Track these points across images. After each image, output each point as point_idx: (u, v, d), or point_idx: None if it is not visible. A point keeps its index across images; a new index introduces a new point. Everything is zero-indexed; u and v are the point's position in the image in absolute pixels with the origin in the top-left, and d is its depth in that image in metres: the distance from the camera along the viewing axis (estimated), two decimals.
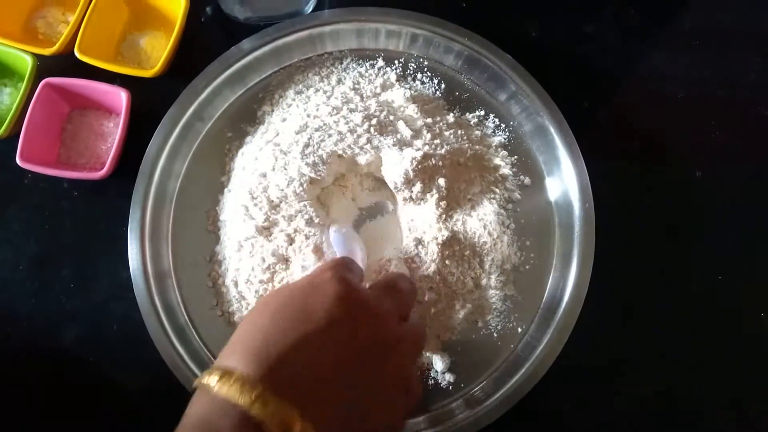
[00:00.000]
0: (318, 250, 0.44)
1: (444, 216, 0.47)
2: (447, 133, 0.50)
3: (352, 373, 0.29)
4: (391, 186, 0.47)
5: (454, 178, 0.48)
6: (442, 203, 0.47)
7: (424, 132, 0.49)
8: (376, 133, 0.47)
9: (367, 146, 0.46)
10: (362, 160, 0.47)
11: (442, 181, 0.47)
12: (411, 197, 0.46)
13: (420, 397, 0.34)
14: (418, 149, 0.46)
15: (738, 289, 0.52)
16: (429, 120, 0.50)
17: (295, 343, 0.28)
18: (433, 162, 0.47)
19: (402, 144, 0.47)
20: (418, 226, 0.48)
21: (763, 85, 0.57)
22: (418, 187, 0.46)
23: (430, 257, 0.46)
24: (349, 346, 0.29)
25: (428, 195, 0.46)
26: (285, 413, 0.26)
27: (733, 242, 0.53)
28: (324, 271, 0.33)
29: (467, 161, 0.50)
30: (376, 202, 0.50)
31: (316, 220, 0.45)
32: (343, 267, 0.34)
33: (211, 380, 0.27)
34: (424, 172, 0.46)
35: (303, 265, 0.44)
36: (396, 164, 0.46)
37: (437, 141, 0.48)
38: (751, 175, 0.55)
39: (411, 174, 0.45)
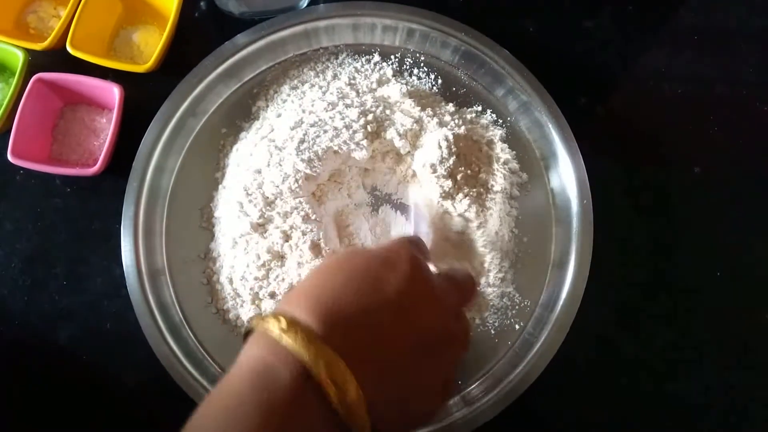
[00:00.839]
0: (315, 247, 0.43)
1: (455, 206, 0.47)
2: (447, 119, 0.50)
3: (408, 355, 0.29)
4: (426, 169, 0.46)
5: (467, 165, 0.49)
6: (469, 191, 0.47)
7: (426, 119, 0.48)
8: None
9: (364, 142, 0.46)
10: (358, 155, 0.46)
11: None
12: (443, 175, 0.46)
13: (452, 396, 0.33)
14: (451, 128, 0.47)
15: (737, 286, 0.52)
16: (429, 111, 0.49)
17: (363, 310, 0.28)
18: (462, 144, 0.47)
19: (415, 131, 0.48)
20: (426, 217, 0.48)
21: (762, 82, 0.57)
22: (450, 162, 0.46)
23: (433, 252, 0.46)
24: (411, 328, 0.29)
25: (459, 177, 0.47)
26: (345, 381, 0.25)
27: (732, 239, 0.53)
28: (399, 248, 0.32)
29: (480, 147, 0.50)
30: (372, 199, 0.50)
31: (313, 217, 0.44)
32: (416, 247, 0.34)
33: (274, 326, 0.26)
34: (457, 152, 0.47)
35: (300, 261, 0.43)
36: (431, 143, 0.46)
37: (456, 121, 0.49)
38: (750, 171, 0.55)
39: (446, 152, 0.45)
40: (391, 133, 0.47)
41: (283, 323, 0.26)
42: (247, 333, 0.29)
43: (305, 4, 0.54)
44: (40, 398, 0.47)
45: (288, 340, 0.26)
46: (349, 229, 0.48)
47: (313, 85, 0.51)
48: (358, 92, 0.50)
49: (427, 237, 0.44)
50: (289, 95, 0.51)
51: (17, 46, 0.49)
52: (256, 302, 0.45)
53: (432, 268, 0.38)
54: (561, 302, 0.46)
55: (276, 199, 0.45)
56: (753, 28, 0.59)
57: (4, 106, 0.47)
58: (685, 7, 0.59)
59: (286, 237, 0.44)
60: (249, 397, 0.25)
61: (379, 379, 0.27)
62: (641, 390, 0.49)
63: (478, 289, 0.47)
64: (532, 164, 0.51)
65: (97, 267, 0.49)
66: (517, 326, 0.47)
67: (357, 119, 0.47)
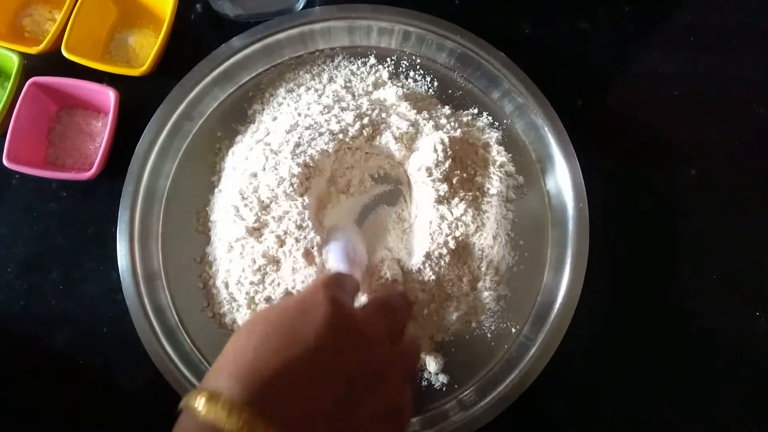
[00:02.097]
0: (308, 254, 0.43)
1: (451, 210, 0.47)
2: (443, 121, 0.50)
3: (340, 400, 0.28)
4: (422, 173, 0.46)
5: (463, 168, 0.48)
6: (465, 194, 0.47)
7: (422, 122, 0.48)
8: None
9: (360, 139, 0.46)
10: (354, 158, 0.46)
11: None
12: (439, 179, 0.46)
13: (409, 417, 0.33)
14: (447, 131, 0.47)
15: (733, 288, 0.52)
16: (425, 114, 0.49)
17: (283, 367, 0.27)
18: (458, 147, 0.47)
19: (409, 134, 0.48)
20: (421, 224, 0.48)
21: (758, 83, 0.57)
22: (446, 166, 0.46)
23: (428, 259, 0.46)
24: (337, 374, 0.29)
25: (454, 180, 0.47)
26: None
27: (728, 241, 0.53)
28: (315, 292, 0.31)
29: (476, 150, 0.50)
30: (367, 202, 0.49)
31: (307, 222, 0.44)
32: (336, 286, 0.33)
33: (198, 402, 0.26)
34: (453, 155, 0.47)
35: (294, 267, 0.43)
36: (427, 147, 0.46)
37: (452, 124, 0.49)
38: (746, 173, 0.55)
39: (441, 156, 0.46)
40: (386, 137, 0.47)
41: (204, 397, 0.26)
42: (180, 411, 0.28)
43: (301, 7, 0.54)
44: (36, 401, 0.47)
45: (211, 414, 0.26)
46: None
47: (308, 88, 0.51)
48: (353, 95, 0.50)
49: (362, 258, 0.43)
50: (284, 98, 0.51)
51: (12, 50, 0.49)
52: (252, 306, 0.44)
53: (363, 298, 0.37)
54: (557, 305, 0.46)
55: (271, 203, 0.45)
56: (748, 29, 0.59)
57: None
58: (681, 8, 0.59)
59: (281, 242, 0.44)
60: None
61: (311, 429, 0.27)
62: (638, 392, 0.49)
63: (477, 292, 0.47)
64: (528, 167, 0.51)
65: (94, 271, 0.49)
66: (513, 329, 0.47)
67: (353, 122, 0.47)
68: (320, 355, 0.28)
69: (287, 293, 0.44)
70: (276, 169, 0.45)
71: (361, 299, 0.43)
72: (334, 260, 0.42)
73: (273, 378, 0.27)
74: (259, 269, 0.44)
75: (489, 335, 0.47)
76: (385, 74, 0.52)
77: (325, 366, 0.28)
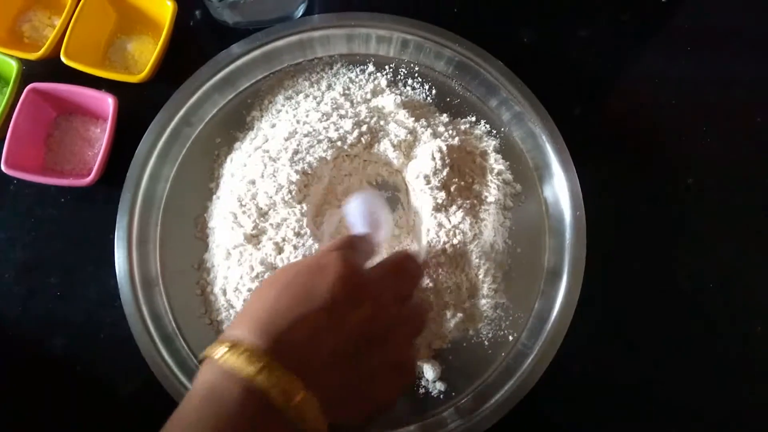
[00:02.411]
0: None
1: (449, 218, 0.47)
2: (441, 129, 0.50)
3: (350, 352, 0.31)
4: (420, 180, 0.47)
5: (461, 176, 0.49)
6: (462, 202, 0.47)
7: (420, 130, 0.48)
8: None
9: (359, 146, 0.46)
10: (352, 166, 0.46)
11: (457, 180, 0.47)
12: (437, 187, 0.46)
13: (414, 378, 0.37)
14: (445, 139, 0.47)
15: (730, 297, 0.52)
16: (423, 121, 0.50)
17: (299, 319, 0.30)
18: (456, 155, 0.47)
19: (409, 142, 0.48)
20: (419, 231, 0.48)
21: (757, 92, 0.57)
22: (444, 174, 0.46)
23: (426, 267, 0.46)
24: (348, 327, 0.31)
25: (453, 188, 0.47)
26: (288, 383, 0.27)
27: (725, 250, 0.53)
28: (330, 252, 0.33)
29: (474, 158, 0.50)
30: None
31: (305, 230, 0.44)
32: (349, 247, 0.35)
33: (219, 351, 0.28)
34: (451, 163, 0.47)
35: None
36: (425, 155, 0.46)
37: (450, 132, 0.49)
38: (744, 182, 0.55)
39: (439, 164, 0.46)
40: (384, 145, 0.48)
41: (227, 346, 0.28)
42: (201, 361, 0.30)
43: (300, 14, 0.54)
44: (34, 407, 0.47)
45: (231, 360, 0.28)
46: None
47: (307, 96, 0.51)
48: (352, 102, 0.50)
49: (384, 224, 0.42)
50: (283, 105, 0.51)
51: (11, 56, 0.49)
52: None
53: (378, 258, 0.38)
54: (554, 313, 0.46)
55: (270, 210, 0.45)
56: (748, 38, 0.59)
57: None
58: (679, 16, 0.59)
59: (279, 249, 0.44)
60: (202, 419, 0.27)
61: (323, 378, 0.29)
62: (636, 400, 0.49)
63: (474, 299, 0.47)
64: (525, 175, 0.51)
65: (92, 276, 0.49)
66: (510, 337, 0.47)
67: (351, 130, 0.47)
68: (332, 310, 0.31)
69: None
70: (274, 176, 0.45)
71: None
72: (351, 220, 0.41)
73: (289, 330, 0.29)
74: (257, 276, 0.44)
75: (486, 343, 0.47)
76: (383, 82, 0.52)
77: (337, 320, 0.31)
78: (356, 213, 0.41)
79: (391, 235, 0.45)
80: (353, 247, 0.36)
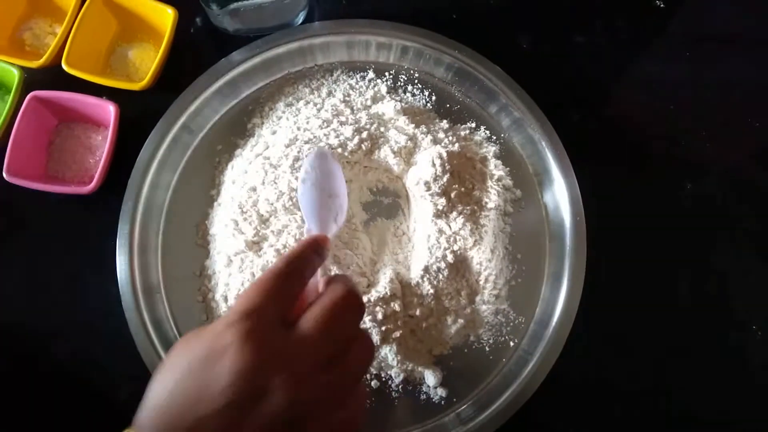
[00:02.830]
0: None
1: (449, 224, 0.47)
2: (441, 135, 0.50)
3: None
4: (420, 187, 0.47)
5: (461, 182, 0.49)
6: (463, 208, 0.48)
7: (420, 136, 0.49)
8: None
9: (359, 153, 0.46)
10: (353, 172, 0.46)
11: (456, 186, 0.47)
12: (437, 193, 0.47)
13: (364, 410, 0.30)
14: (445, 146, 0.48)
15: (730, 300, 0.52)
16: (423, 128, 0.50)
17: (194, 424, 0.25)
18: (456, 161, 0.48)
19: (409, 148, 0.48)
20: (419, 237, 0.48)
21: (754, 97, 0.58)
22: (444, 180, 0.46)
23: (426, 273, 0.46)
24: (254, 426, 0.26)
25: (453, 194, 0.47)
26: None
27: (723, 255, 0.53)
28: (224, 333, 0.27)
29: (474, 164, 0.50)
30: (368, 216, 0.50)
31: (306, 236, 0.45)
32: (275, 284, 0.29)
33: None
34: (451, 169, 0.47)
35: None
36: (425, 161, 0.46)
37: (450, 138, 0.49)
38: (742, 187, 0.55)
39: (440, 170, 0.46)
40: (385, 151, 0.48)
41: None
42: None
43: (300, 22, 0.54)
44: (36, 415, 0.47)
45: None
46: (344, 249, 0.48)
47: (308, 102, 0.51)
48: (352, 109, 0.50)
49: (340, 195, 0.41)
50: (284, 112, 0.51)
51: (13, 64, 0.49)
52: None
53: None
54: (555, 319, 0.47)
55: (271, 217, 0.45)
56: (745, 42, 0.60)
57: None
58: (676, 22, 0.60)
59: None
60: None
61: None
62: (636, 404, 0.49)
63: (475, 305, 0.47)
64: (525, 181, 0.52)
65: (93, 284, 0.49)
66: (511, 343, 0.47)
67: (352, 137, 0.47)
68: (229, 414, 0.26)
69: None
70: (275, 183, 0.46)
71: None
72: (305, 210, 0.38)
73: (189, 427, 0.25)
74: None
75: (487, 348, 0.47)
76: (383, 88, 0.53)
77: (236, 422, 0.26)
78: (310, 204, 0.38)
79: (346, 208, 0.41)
80: (286, 276, 0.30)
